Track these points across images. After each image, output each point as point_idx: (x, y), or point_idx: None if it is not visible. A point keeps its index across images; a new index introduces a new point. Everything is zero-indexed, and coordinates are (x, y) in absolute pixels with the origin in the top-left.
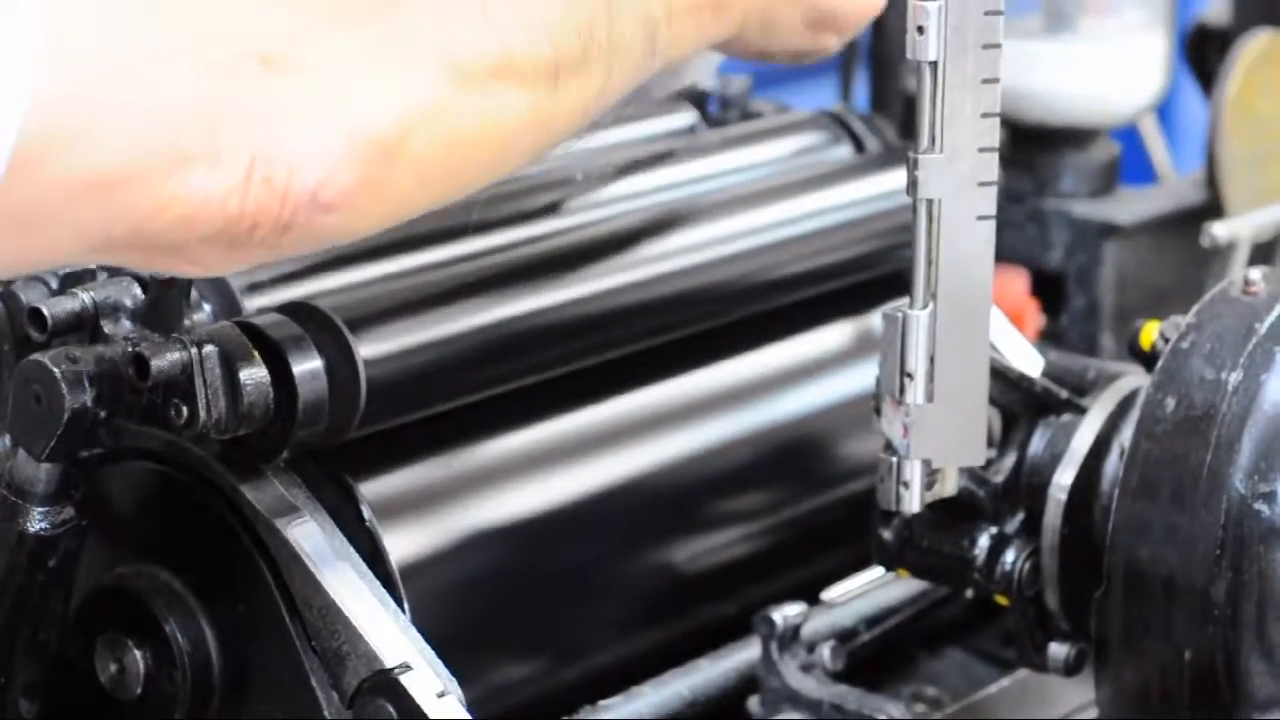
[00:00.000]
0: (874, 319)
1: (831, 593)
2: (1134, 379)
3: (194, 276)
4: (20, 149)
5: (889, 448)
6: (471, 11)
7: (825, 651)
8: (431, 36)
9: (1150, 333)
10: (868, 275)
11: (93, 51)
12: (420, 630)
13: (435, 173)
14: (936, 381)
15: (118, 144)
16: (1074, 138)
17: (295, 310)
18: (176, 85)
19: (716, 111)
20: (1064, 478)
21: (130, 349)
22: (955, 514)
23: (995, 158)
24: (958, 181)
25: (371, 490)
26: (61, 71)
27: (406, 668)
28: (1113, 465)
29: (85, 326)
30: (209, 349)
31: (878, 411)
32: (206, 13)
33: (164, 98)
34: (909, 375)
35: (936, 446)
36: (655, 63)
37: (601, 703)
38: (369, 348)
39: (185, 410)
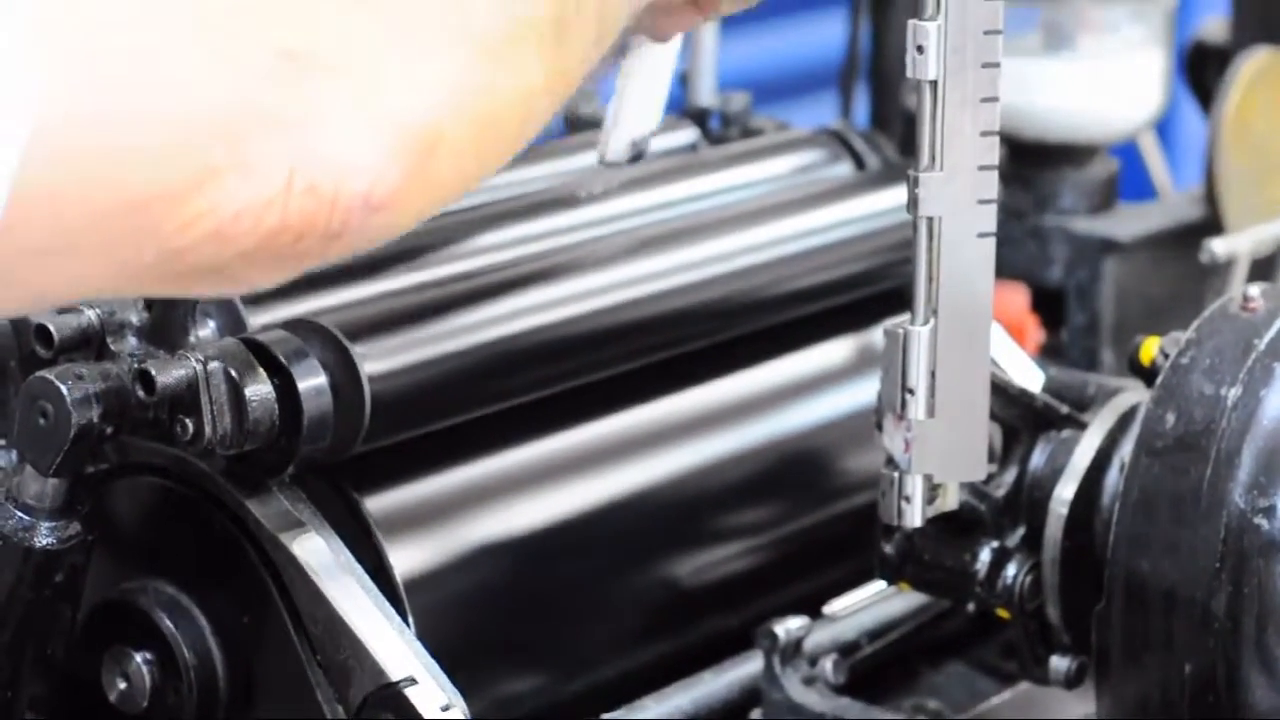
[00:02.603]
0: (875, 335)
1: (834, 606)
2: (1134, 394)
3: (236, 294)
4: (25, 178)
5: (890, 463)
6: None
7: (827, 665)
8: (448, 11)
9: (1150, 348)
10: (868, 291)
11: (98, 64)
12: (425, 644)
13: (471, 155)
14: (938, 397)
15: (134, 163)
16: (1073, 155)
17: (300, 326)
18: (195, 93)
19: (717, 128)
20: (1065, 492)
21: (136, 365)
22: (957, 528)
23: (995, 175)
24: (958, 199)
25: (376, 505)
26: (65, 91)
27: (411, 681)
28: (1113, 480)
29: (91, 343)
30: (214, 365)
31: (879, 427)
32: (219, 10)
33: (182, 108)
34: (910, 391)
35: (938, 461)
36: None
37: (605, 716)
38: (373, 364)
39: (191, 426)
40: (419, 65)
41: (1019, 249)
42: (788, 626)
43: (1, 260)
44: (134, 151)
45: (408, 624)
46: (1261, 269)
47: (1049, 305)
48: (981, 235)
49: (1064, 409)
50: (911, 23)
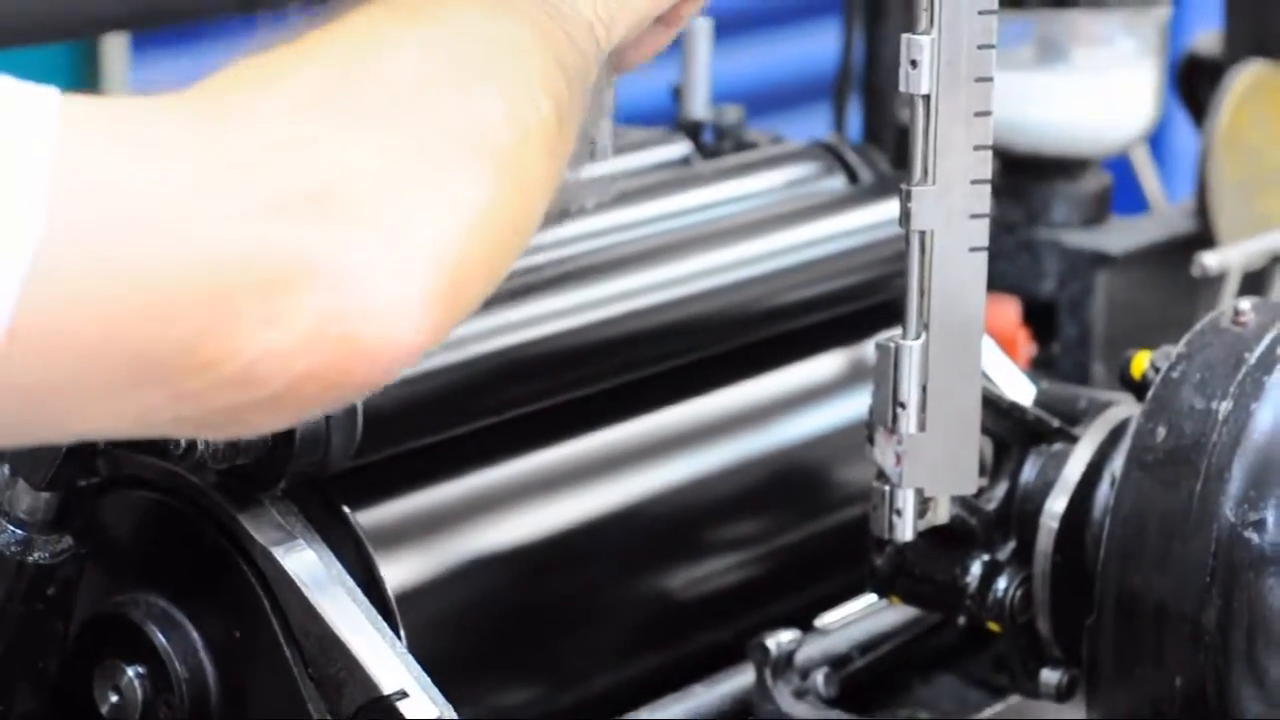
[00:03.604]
0: (867, 348)
1: (825, 619)
2: (1125, 408)
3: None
4: (22, 311)
5: (882, 476)
6: (481, 84)
7: (819, 678)
8: (468, 128)
9: (1141, 362)
10: (861, 305)
11: (108, 198)
12: (416, 657)
13: (491, 273)
14: (929, 411)
15: (143, 304)
16: (1066, 168)
17: None
18: (214, 233)
19: (711, 142)
20: (1056, 506)
21: None
22: (948, 542)
23: (987, 190)
24: (950, 214)
25: (367, 518)
26: (72, 222)
27: (403, 694)
28: (1104, 493)
29: None
30: None
31: (871, 440)
32: (241, 147)
33: (199, 248)
34: (902, 405)
35: (929, 475)
36: (598, 64)
37: None
38: None
39: (183, 439)
40: (447, 191)
41: (1011, 262)
42: (779, 639)
43: None
44: (142, 293)
45: (399, 637)
46: (1253, 282)
47: (1041, 318)
48: (973, 249)
49: (1055, 423)
50: (905, 37)
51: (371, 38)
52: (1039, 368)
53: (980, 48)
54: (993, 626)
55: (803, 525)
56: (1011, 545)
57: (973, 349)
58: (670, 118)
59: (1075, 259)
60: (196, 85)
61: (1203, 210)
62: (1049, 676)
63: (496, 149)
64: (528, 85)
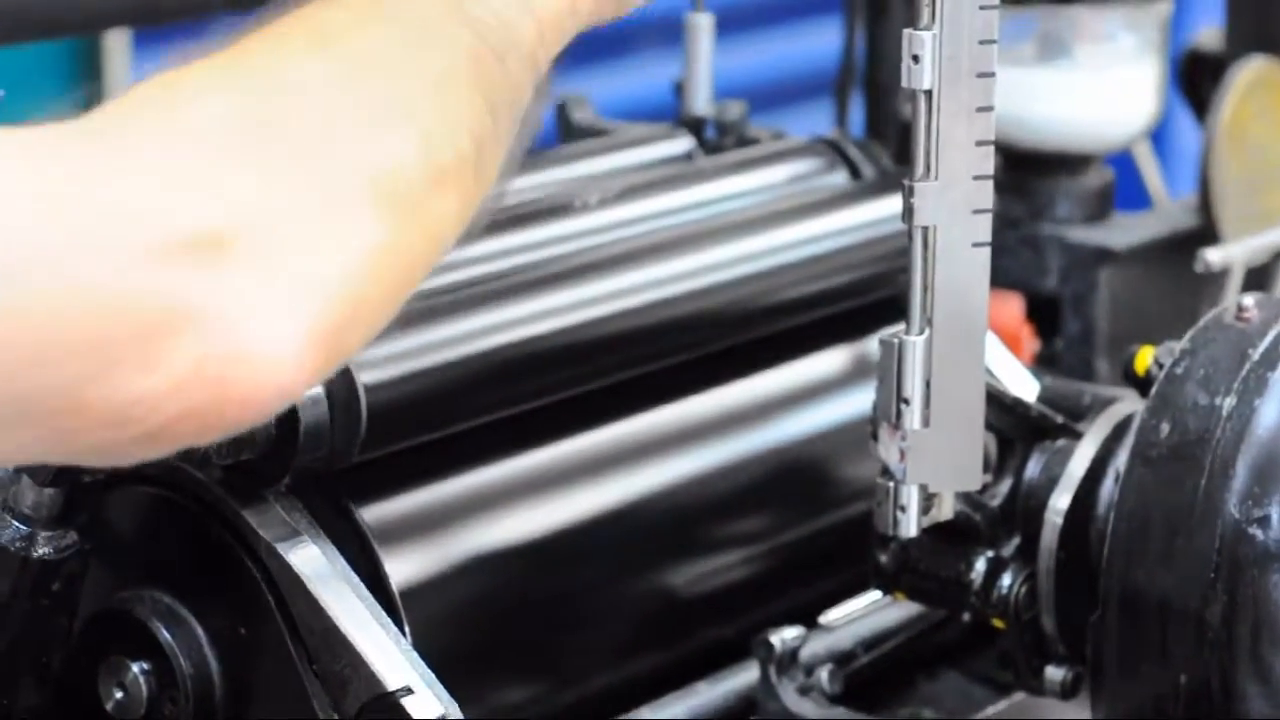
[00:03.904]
0: (870, 344)
1: (829, 616)
2: (1129, 404)
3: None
4: None
5: (886, 472)
6: (390, 123)
7: (823, 674)
8: (364, 165)
9: (1145, 358)
10: (864, 300)
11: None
12: (421, 654)
13: (384, 311)
14: (933, 407)
15: (24, 347)
16: (1068, 164)
17: None
18: (100, 280)
19: (713, 137)
20: (1060, 502)
21: None
22: (952, 538)
23: (990, 185)
24: (953, 209)
25: (372, 514)
26: None
27: (408, 691)
28: (1108, 490)
29: None
30: None
31: (874, 436)
32: (131, 189)
33: (84, 295)
34: (905, 401)
35: (933, 471)
36: (532, 89)
37: None
38: (369, 373)
39: None
40: (340, 234)
41: (1014, 258)
42: (784, 636)
43: None
44: (18, 337)
45: (404, 633)
46: (1256, 278)
47: (1044, 314)
48: (976, 245)
49: (1059, 418)
50: (907, 32)
51: (282, 70)
52: (1042, 364)
53: (982, 43)
54: (997, 623)
55: (807, 521)
56: (1016, 541)
57: (976, 345)
58: (672, 113)
59: (1078, 255)
60: (102, 108)
61: (1205, 206)
62: (1053, 673)
63: (399, 189)
64: (444, 122)
